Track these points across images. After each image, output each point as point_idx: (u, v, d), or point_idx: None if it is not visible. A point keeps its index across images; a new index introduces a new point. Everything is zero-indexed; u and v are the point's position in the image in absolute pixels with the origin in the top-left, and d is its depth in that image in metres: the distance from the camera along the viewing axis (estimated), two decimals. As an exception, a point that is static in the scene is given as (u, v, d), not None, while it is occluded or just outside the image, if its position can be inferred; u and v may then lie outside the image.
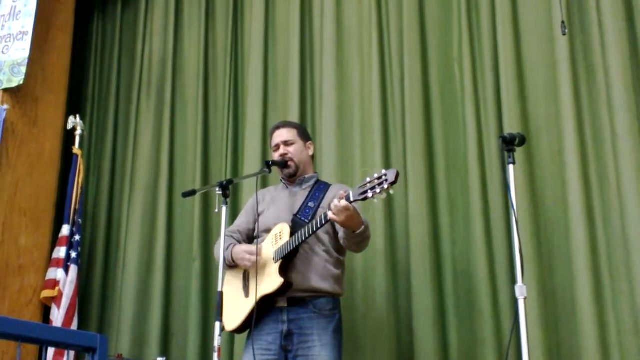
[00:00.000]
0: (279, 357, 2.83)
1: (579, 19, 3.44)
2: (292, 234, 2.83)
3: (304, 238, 2.77)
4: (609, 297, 3.06)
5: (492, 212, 3.39)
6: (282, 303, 2.85)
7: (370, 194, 2.54)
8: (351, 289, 3.55)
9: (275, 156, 3.12)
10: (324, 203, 2.96)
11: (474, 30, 3.70)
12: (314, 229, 2.75)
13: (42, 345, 1.45)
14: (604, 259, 3.11)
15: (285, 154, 3.08)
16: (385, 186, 2.51)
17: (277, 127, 3.20)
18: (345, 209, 2.61)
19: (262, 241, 2.97)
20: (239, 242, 3.09)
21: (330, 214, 2.64)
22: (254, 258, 2.86)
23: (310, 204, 2.98)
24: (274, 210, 3.04)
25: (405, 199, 3.57)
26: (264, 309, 2.84)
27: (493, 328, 3.24)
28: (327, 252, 2.92)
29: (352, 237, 2.77)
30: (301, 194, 3.07)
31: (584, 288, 3.06)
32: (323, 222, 2.71)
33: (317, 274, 2.86)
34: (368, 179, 2.58)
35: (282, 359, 2.83)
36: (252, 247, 2.93)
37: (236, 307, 2.94)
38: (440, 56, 3.78)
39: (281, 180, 3.20)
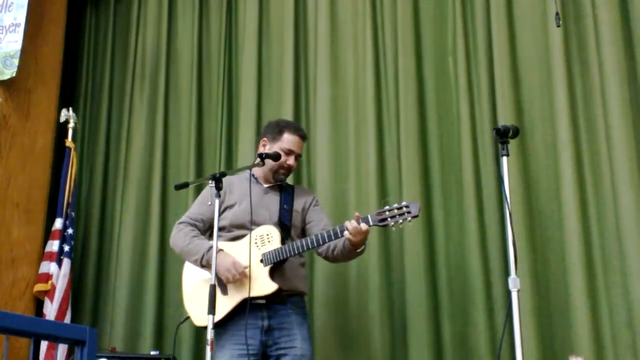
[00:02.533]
0: (257, 351, 2.86)
1: (573, 12, 3.44)
2: (282, 239, 2.88)
3: (306, 248, 2.85)
4: (602, 289, 3.07)
5: (486, 204, 3.39)
6: (261, 300, 2.88)
7: (390, 222, 2.72)
8: (345, 282, 3.55)
9: (284, 159, 3.02)
10: (296, 206, 3.07)
11: (468, 24, 3.69)
12: (321, 242, 2.83)
13: (30, 337, 1.43)
14: (597, 252, 3.12)
15: (293, 167, 3.12)
16: (408, 219, 2.71)
17: (303, 137, 3.15)
18: (366, 232, 2.76)
19: (234, 238, 2.95)
20: (201, 231, 3.05)
21: (347, 234, 2.75)
22: (238, 276, 2.83)
23: (285, 207, 3.06)
24: (246, 206, 2.97)
25: (399, 192, 3.57)
26: (243, 306, 2.83)
27: (486, 321, 3.25)
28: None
29: (352, 253, 2.90)
30: (272, 194, 3.08)
31: (578, 280, 3.07)
32: (332, 237, 2.81)
33: (296, 275, 2.99)
34: (387, 207, 2.75)
35: (260, 353, 2.87)
36: (239, 262, 2.85)
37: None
38: (434, 50, 3.77)
39: (252, 176, 3.11)
